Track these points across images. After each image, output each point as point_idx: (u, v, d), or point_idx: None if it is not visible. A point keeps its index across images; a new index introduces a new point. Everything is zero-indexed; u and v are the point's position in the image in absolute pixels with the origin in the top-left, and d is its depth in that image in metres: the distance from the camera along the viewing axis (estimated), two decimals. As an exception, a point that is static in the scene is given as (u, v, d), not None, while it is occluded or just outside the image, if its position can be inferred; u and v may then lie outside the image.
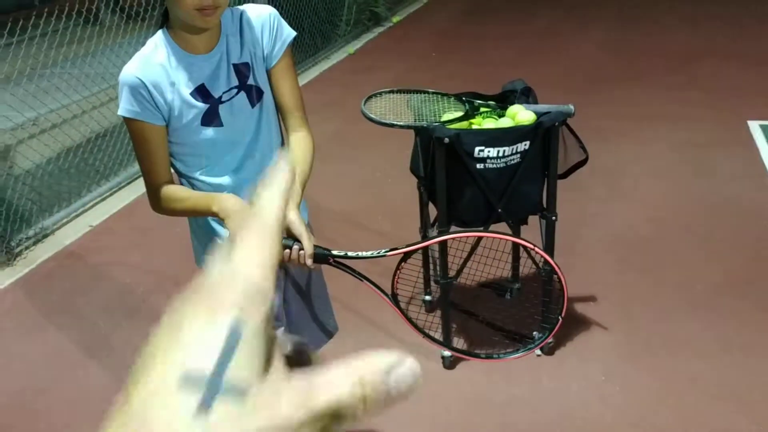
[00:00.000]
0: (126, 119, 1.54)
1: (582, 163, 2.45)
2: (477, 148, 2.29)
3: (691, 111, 5.07)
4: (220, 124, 1.59)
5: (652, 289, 3.10)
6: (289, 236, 1.52)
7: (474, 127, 2.46)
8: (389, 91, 2.61)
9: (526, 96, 2.59)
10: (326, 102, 6.03)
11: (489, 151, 2.29)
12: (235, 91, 1.60)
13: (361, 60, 7.43)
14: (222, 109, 1.59)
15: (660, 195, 3.94)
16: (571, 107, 2.43)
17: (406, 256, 1.62)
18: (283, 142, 1.76)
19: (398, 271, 1.66)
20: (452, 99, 2.59)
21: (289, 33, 1.67)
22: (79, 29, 4.96)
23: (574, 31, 7.54)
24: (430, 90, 2.63)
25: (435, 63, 6.95)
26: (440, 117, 2.47)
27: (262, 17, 1.63)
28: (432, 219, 2.77)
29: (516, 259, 2.96)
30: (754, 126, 4.72)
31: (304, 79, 6.75)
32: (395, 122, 2.39)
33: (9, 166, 4.57)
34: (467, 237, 1.55)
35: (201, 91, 1.56)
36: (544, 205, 2.50)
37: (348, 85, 6.50)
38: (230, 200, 1.51)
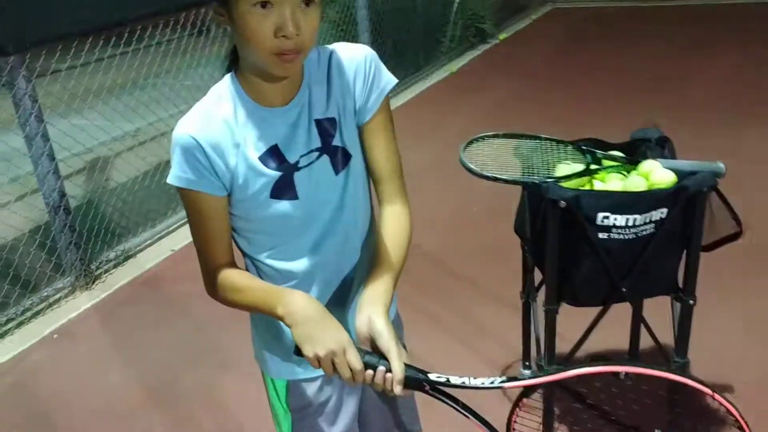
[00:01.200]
0: (178, 188, 1.24)
1: (733, 238, 1.97)
2: (601, 215, 1.87)
3: None
4: (295, 197, 1.26)
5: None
6: (374, 350, 1.17)
7: (596, 185, 2.04)
8: (493, 136, 2.23)
9: (662, 147, 2.14)
10: (425, 125, 5.69)
11: (616, 219, 1.86)
12: (317, 154, 1.26)
13: (463, 80, 7.06)
14: (298, 178, 1.25)
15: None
16: (722, 166, 1.96)
17: (528, 390, 1.23)
18: (373, 213, 1.42)
19: (517, 410, 1.27)
20: (570, 148, 2.17)
21: (388, 81, 1.31)
22: (171, 41, 4.86)
23: (703, 58, 6.82)
24: (543, 136, 2.22)
25: (543, 87, 6.47)
26: (554, 170, 2.06)
27: (355, 60, 1.28)
28: (537, 282, 2.36)
29: (636, 336, 2.48)
30: None
31: (402, 99, 6.46)
32: (499, 176, 2.00)
33: (105, 179, 4.52)
34: (617, 371, 1.13)
35: (273, 155, 1.23)
36: (680, 285, 2.04)
37: (448, 108, 6.15)
38: (300, 302, 1.18)
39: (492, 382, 1.16)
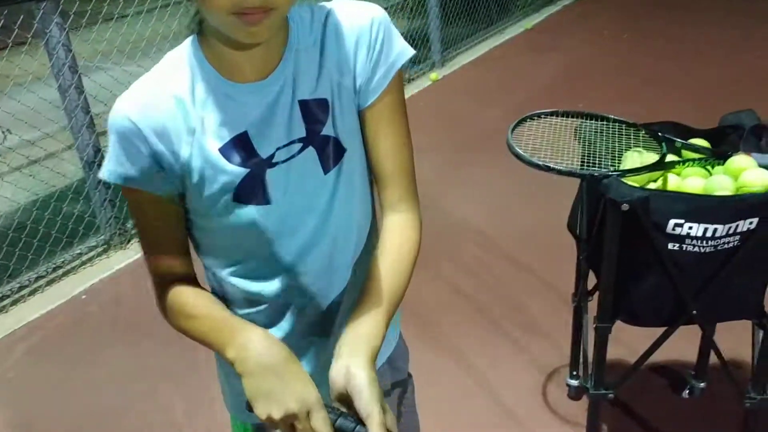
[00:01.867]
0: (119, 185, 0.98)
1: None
2: (672, 221, 1.52)
3: None
4: (266, 201, 0.98)
5: None
6: (349, 410, 0.89)
7: (671, 181, 1.68)
8: (551, 113, 1.89)
9: (758, 138, 1.75)
10: (490, 87, 5.29)
11: (691, 228, 1.52)
12: (299, 146, 0.97)
13: (538, 38, 6.55)
14: (272, 177, 0.97)
15: None
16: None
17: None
18: (374, 222, 1.13)
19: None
20: (642, 133, 1.81)
21: (400, 52, 1.01)
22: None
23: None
24: (611, 116, 1.87)
25: (625, 51, 5.89)
26: (622, 161, 1.72)
27: (358, 24, 0.98)
28: (591, 286, 2.04)
29: (704, 360, 2.12)
30: None
31: (472, 55, 6.05)
32: (552, 165, 1.67)
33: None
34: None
35: (240, 146, 0.95)
36: (765, 310, 1.68)
37: (520, 68, 5.70)
38: (257, 346, 0.90)
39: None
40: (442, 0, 5.81)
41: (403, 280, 1.00)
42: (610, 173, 1.62)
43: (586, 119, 1.87)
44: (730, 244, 1.54)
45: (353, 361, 0.89)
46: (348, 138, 1.01)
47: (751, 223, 1.51)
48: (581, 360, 2.14)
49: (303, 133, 0.97)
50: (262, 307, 1.07)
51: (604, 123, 1.85)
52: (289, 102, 0.96)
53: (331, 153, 1.00)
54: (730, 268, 1.56)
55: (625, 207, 1.51)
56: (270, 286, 1.05)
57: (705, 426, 2.13)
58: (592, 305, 1.98)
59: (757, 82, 4.75)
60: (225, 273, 1.06)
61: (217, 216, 0.99)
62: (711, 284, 1.59)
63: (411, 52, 1.02)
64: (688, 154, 1.74)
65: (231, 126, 0.95)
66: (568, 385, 2.28)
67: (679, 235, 1.53)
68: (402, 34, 1.02)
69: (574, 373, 2.25)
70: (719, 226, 1.51)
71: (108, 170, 0.96)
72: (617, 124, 1.85)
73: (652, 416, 2.20)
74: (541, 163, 1.67)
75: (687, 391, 2.24)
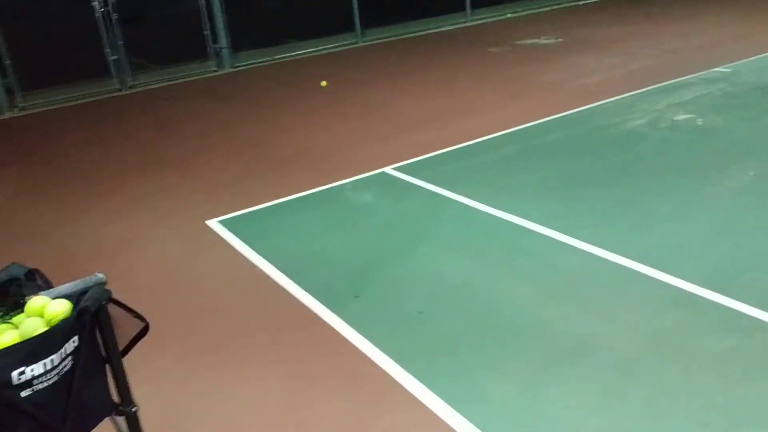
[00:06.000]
0: None
1: (143, 333, 2.06)
2: (15, 373, 1.67)
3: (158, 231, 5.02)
4: None
5: None
6: None
7: (-13, 347, 1.80)
8: None
9: (34, 280, 2.04)
10: None
11: (34, 369, 1.70)
12: None
13: None
14: None
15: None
16: (102, 276, 2.02)
17: None
18: None
19: None
20: (-65, 320, 1.84)
21: None
22: None
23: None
24: None
25: None
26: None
27: None
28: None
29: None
30: (213, 223, 4.96)
31: None
32: None
33: None
34: None
35: None
36: (116, 400, 2.02)
37: None
38: None
39: None
40: None
41: None
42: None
43: None
44: (68, 366, 1.80)
45: None
46: None
47: (74, 341, 1.81)
48: None
49: None
50: None
51: None
52: None
53: None
54: (78, 383, 1.82)
55: None
56: None
57: None
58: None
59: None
60: None
61: None
62: (70, 405, 1.81)
63: None
64: (-13, 319, 1.88)
65: None
66: None
67: (27, 381, 1.70)
68: None
69: None
70: (54, 356, 1.75)
71: None
72: None
73: None
74: None
75: None
